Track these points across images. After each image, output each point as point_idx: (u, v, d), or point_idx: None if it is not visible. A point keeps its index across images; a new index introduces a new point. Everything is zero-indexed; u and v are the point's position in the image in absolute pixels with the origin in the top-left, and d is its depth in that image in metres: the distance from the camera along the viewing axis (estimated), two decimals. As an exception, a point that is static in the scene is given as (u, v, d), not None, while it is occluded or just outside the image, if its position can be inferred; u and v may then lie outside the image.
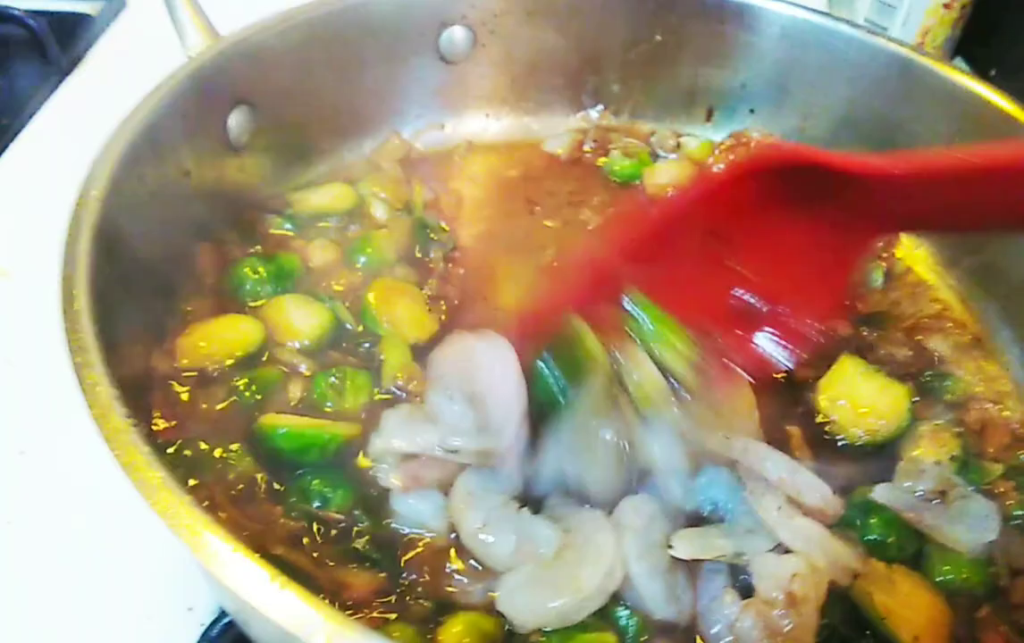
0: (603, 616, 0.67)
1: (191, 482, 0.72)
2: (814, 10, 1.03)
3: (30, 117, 1.31)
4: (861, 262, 0.92)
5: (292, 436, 0.77)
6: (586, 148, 1.16)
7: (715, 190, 0.78)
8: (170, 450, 0.75)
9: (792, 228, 0.77)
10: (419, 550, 0.71)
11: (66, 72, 1.41)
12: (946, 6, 1.53)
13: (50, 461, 0.86)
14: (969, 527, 0.78)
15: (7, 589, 0.77)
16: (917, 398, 0.87)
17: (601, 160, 1.16)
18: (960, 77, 1.00)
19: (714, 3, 1.09)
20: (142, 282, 0.78)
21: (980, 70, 1.60)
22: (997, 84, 1.53)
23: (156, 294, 0.83)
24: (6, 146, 1.25)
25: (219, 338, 0.84)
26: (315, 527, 0.72)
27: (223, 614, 0.74)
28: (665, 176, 1.12)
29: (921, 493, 0.79)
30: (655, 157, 1.16)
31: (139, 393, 0.76)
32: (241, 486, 0.74)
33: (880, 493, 0.79)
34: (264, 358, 0.84)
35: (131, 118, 0.77)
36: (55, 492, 0.85)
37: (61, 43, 1.42)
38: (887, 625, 0.69)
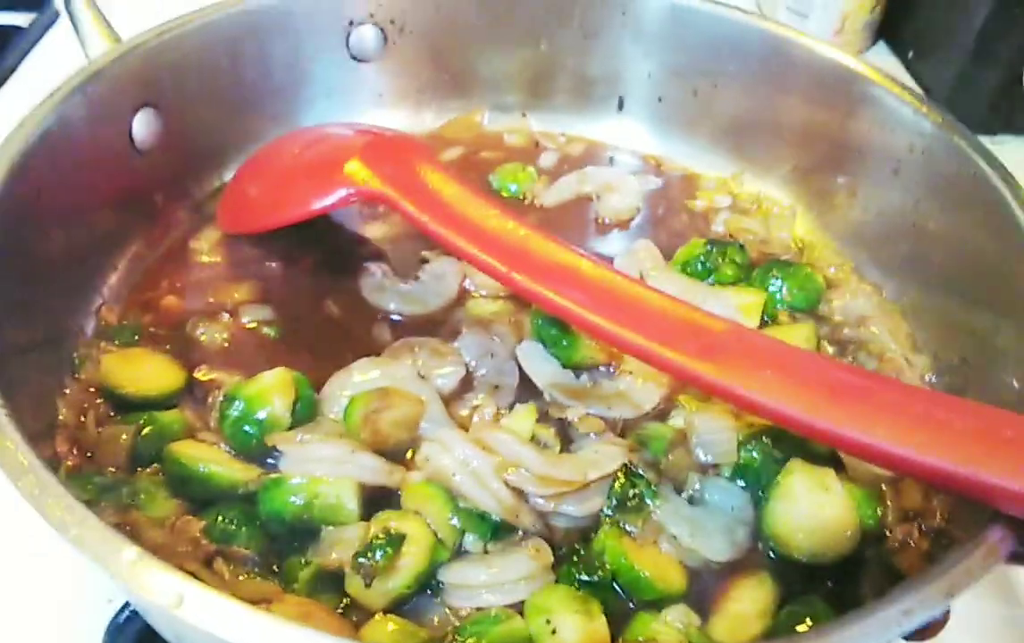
0: None
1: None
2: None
3: (-41, 131, 1.31)
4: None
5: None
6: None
7: None
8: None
9: None
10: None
11: (-3, 85, 1.40)
12: (862, -10, 1.57)
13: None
14: None
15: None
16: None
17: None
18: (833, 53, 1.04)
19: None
20: (40, 294, 0.79)
21: (900, 52, 1.65)
22: (913, 65, 1.59)
23: (58, 307, 0.83)
24: (-66, 160, 1.25)
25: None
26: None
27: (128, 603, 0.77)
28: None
29: None
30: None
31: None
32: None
33: None
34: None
35: (23, 125, 0.77)
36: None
37: (-9, 56, 1.41)
38: None
